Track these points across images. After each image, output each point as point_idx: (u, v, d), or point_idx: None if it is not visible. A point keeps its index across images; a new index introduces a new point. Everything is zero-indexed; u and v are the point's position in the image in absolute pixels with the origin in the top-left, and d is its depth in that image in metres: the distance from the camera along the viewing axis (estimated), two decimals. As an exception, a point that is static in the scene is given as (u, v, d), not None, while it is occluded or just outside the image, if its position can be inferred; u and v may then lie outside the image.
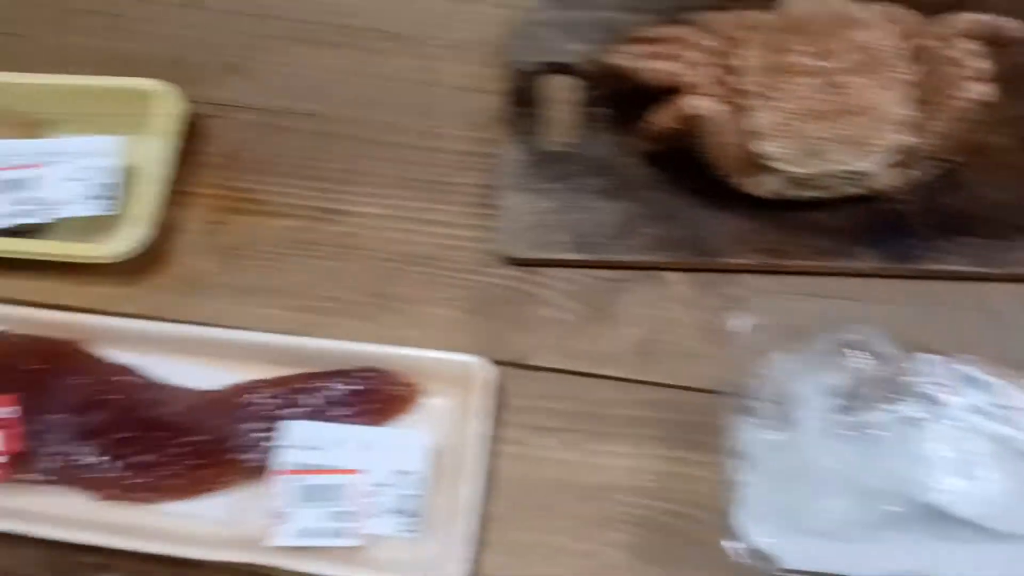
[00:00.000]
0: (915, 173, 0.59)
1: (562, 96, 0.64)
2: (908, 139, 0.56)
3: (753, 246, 0.58)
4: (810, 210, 0.59)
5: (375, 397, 0.55)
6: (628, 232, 0.59)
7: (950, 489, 0.48)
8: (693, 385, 0.55)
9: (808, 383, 0.51)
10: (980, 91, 0.55)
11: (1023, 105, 0.61)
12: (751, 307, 0.55)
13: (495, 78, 0.65)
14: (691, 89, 0.56)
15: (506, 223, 0.60)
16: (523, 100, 0.64)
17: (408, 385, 0.55)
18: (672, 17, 0.64)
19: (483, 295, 0.59)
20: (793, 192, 0.58)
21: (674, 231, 0.59)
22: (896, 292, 0.58)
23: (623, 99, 0.62)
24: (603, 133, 0.63)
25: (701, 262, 0.59)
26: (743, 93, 0.56)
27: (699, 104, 0.55)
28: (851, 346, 0.52)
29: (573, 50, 0.65)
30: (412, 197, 0.62)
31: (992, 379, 0.51)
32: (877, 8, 0.58)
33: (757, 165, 0.57)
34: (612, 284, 0.59)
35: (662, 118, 0.57)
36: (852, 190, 0.58)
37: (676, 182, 0.60)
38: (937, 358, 0.51)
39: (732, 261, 0.58)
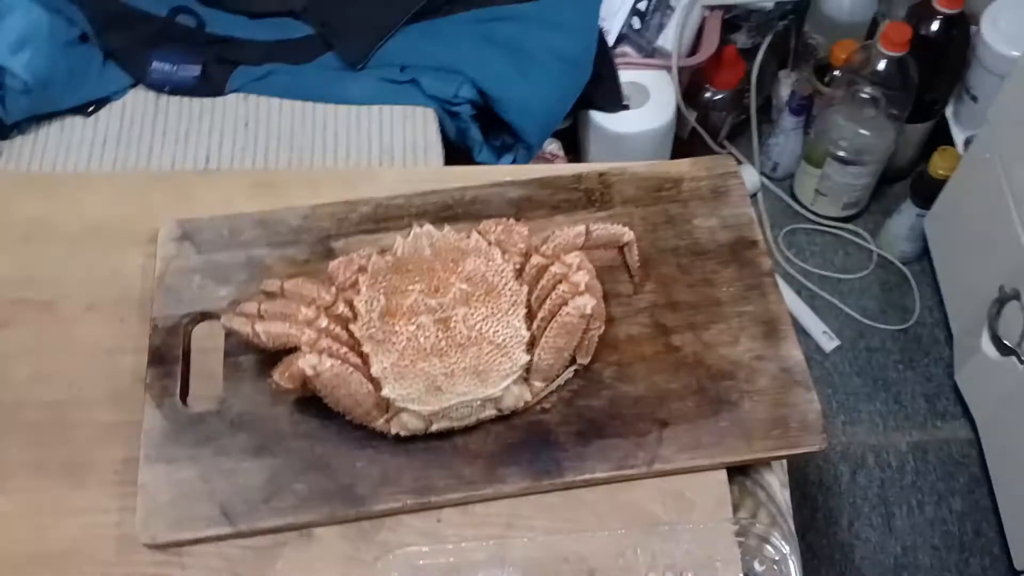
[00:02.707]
0: (551, 385, 0.58)
1: (208, 348, 0.61)
2: (524, 357, 0.55)
3: (402, 487, 0.56)
4: (457, 437, 0.57)
5: None
6: (276, 492, 0.55)
7: None
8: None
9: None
10: (581, 303, 0.54)
11: (649, 296, 0.62)
12: (398, 557, 0.52)
13: (139, 336, 0.61)
14: (306, 347, 0.53)
15: (145, 502, 0.55)
16: (165, 358, 0.60)
17: None
18: (322, 250, 0.62)
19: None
20: (435, 426, 0.56)
21: (323, 483, 0.56)
22: (550, 507, 0.56)
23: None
24: (249, 383, 0.59)
25: (353, 513, 0.55)
26: (359, 341, 0.54)
27: (312, 363, 0.52)
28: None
29: (220, 295, 0.62)
30: (46, 485, 0.57)
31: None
32: (479, 236, 0.58)
33: (389, 408, 0.55)
34: (264, 552, 0.55)
35: (283, 379, 0.54)
36: (488, 413, 0.56)
37: (323, 430, 0.57)
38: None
39: (380, 507, 0.55)
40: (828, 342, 1.38)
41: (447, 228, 0.57)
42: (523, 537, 0.53)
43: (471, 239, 0.56)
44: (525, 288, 0.56)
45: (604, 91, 1.28)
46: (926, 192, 1.35)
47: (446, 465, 0.56)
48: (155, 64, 1.06)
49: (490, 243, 0.57)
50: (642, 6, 1.31)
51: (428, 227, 0.57)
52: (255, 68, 1.08)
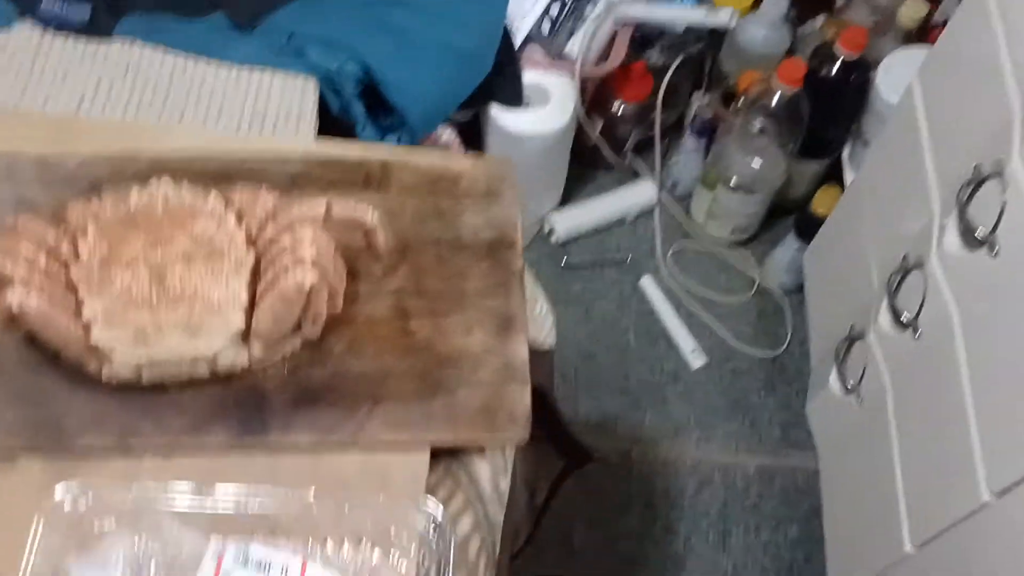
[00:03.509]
0: (274, 352, 0.59)
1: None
2: (238, 319, 0.56)
3: (108, 428, 0.57)
4: (173, 391, 0.58)
5: None
6: (-14, 416, 0.57)
7: None
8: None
9: None
10: (299, 276, 0.55)
11: (399, 281, 0.63)
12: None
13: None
14: (18, 283, 0.54)
15: None
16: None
17: None
18: (88, 194, 0.63)
19: None
20: (145, 376, 0.57)
21: (32, 413, 0.57)
22: (252, 466, 0.57)
23: None
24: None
25: (57, 444, 0.56)
26: (75, 285, 0.55)
27: (18, 298, 0.53)
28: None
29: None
30: None
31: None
32: (218, 198, 0.59)
33: (98, 352, 0.56)
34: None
35: (-7, 310, 0.55)
36: (202, 371, 0.57)
37: (46, 366, 0.58)
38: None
39: (83, 442, 0.56)
40: (696, 359, 1.40)
41: (186, 185, 0.58)
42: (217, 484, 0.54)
43: (208, 201, 0.57)
44: (252, 255, 0.57)
45: (504, 85, 1.29)
46: (808, 227, 1.37)
47: (156, 415, 0.57)
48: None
49: (230, 206, 0.58)
50: (554, 11, 1.32)
51: (166, 182, 0.58)
52: (145, 16, 1.09)
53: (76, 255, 0.56)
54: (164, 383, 0.57)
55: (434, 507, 0.54)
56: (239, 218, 0.57)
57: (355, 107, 1.14)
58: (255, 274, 0.57)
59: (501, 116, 1.30)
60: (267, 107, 1.08)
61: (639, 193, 1.50)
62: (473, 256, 0.64)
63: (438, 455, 0.59)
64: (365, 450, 0.57)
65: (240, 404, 0.58)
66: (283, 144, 0.69)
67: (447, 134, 1.36)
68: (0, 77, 1.02)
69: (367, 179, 0.67)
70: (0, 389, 0.57)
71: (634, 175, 1.52)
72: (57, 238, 0.56)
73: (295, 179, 0.66)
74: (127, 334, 0.54)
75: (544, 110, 1.31)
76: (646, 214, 1.50)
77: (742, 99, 1.38)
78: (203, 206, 0.57)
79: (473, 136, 1.38)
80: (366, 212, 0.60)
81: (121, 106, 1.04)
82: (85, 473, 0.56)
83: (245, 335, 0.57)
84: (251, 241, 0.58)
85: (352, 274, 0.61)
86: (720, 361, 1.41)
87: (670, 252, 1.48)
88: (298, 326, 0.59)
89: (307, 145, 0.72)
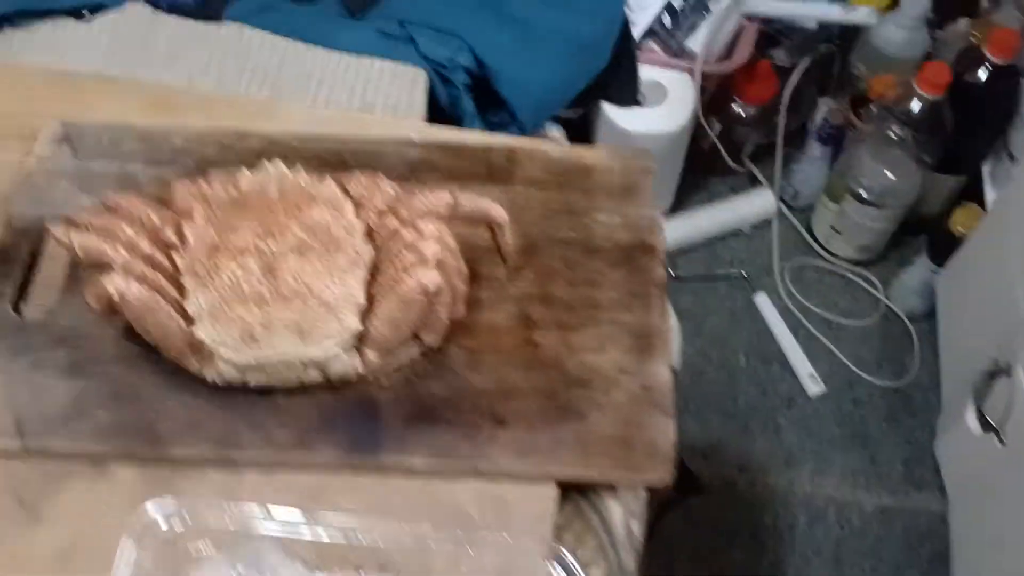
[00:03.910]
0: (390, 360, 0.52)
1: (62, 257, 0.57)
2: (354, 322, 0.50)
3: (206, 436, 0.51)
4: (279, 396, 0.52)
5: None
6: (77, 415, 0.51)
7: None
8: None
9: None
10: (422, 277, 0.49)
11: (524, 286, 0.56)
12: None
13: (-7, 233, 0.58)
14: (118, 269, 0.49)
15: (-56, 403, 0.52)
16: (9, 258, 0.56)
17: None
18: (194, 174, 0.58)
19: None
20: (250, 379, 0.51)
21: (126, 415, 0.51)
22: (360, 488, 0.51)
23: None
24: (84, 299, 0.55)
25: (151, 451, 0.51)
26: (181, 272, 0.50)
27: (117, 286, 0.48)
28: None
29: (83, 205, 0.58)
30: None
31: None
32: (336, 185, 0.52)
33: (202, 350, 0.50)
34: (51, 478, 0.50)
35: (91, 298, 0.50)
36: (312, 377, 0.51)
37: (144, 360, 0.53)
38: None
39: (178, 451, 0.51)
40: (813, 386, 1.29)
41: (301, 170, 0.52)
42: (324, 511, 0.48)
43: (324, 187, 0.51)
44: (371, 249, 0.50)
45: (620, 82, 1.20)
46: (943, 248, 1.25)
47: (258, 423, 0.51)
48: (158, -22, 1.04)
49: (348, 195, 0.51)
50: (677, 3, 1.23)
51: (280, 165, 0.52)
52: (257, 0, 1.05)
53: (181, 241, 0.50)
54: (270, 387, 0.51)
55: (566, 554, 0.47)
56: (357, 208, 0.51)
57: (464, 100, 1.07)
58: (372, 272, 0.51)
59: (614, 113, 1.22)
60: (375, 97, 1.03)
61: (756, 203, 1.40)
62: (606, 261, 0.57)
63: (564, 489, 0.51)
64: (485, 478, 0.51)
65: (351, 417, 0.51)
66: (399, 127, 0.63)
67: (554, 131, 1.29)
68: (110, 55, 0.99)
69: (490, 169, 0.60)
70: (94, 385, 0.52)
71: (751, 183, 1.42)
72: (162, 221, 0.51)
73: (414, 166, 0.60)
74: (234, 332, 0.49)
75: (661, 109, 1.22)
76: (762, 226, 1.39)
77: (875, 105, 1.27)
78: (319, 193, 0.51)
79: (581, 134, 1.31)
80: (495, 207, 0.53)
81: (228, 89, 1.01)
82: (179, 487, 0.50)
83: (360, 340, 0.51)
84: (369, 234, 0.51)
85: (473, 276, 0.54)
86: (839, 388, 1.30)
87: (788, 268, 1.38)
88: (415, 333, 0.52)
89: (425, 129, 0.66)
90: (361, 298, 0.50)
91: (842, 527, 1.22)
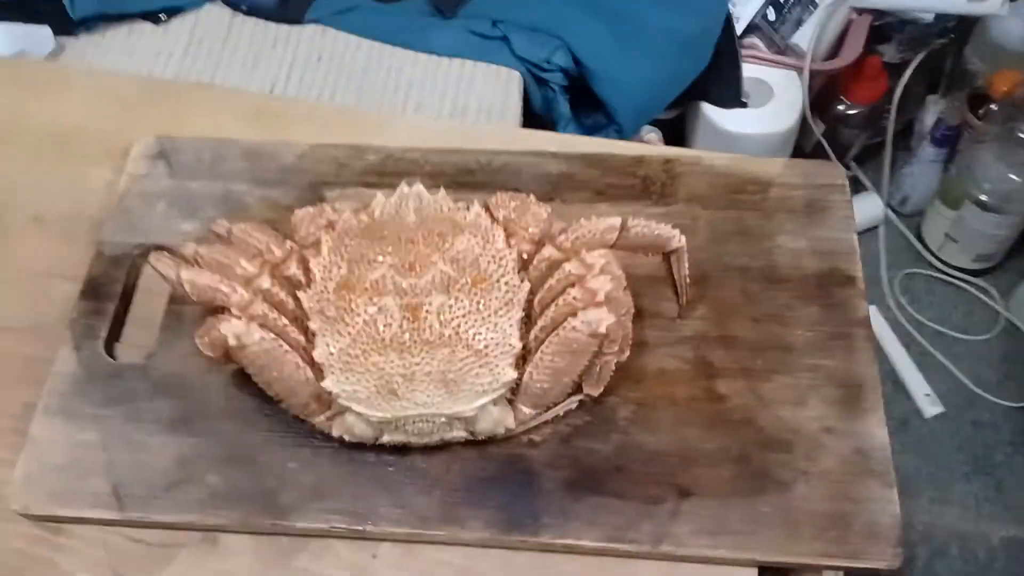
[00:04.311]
0: (545, 414, 0.44)
1: (159, 291, 0.50)
2: (510, 373, 0.41)
3: (336, 505, 0.43)
4: (416, 455, 0.44)
5: None
6: (183, 479, 0.43)
7: None
8: None
9: None
10: (593, 318, 0.40)
11: (698, 325, 0.47)
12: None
13: (83, 263, 0.51)
14: (235, 310, 0.41)
15: (29, 461, 0.44)
16: (100, 292, 0.49)
17: None
18: (312, 198, 0.50)
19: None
20: (385, 437, 0.43)
21: (241, 480, 0.43)
22: (515, 569, 0.42)
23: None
24: (187, 341, 0.47)
25: (270, 524, 0.43)
26: (307, 315, 0.42)
27: (237, 332, 0.40)
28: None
29: (184, 230, 0.51)
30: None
31: None
32: (482, 209, 0.44)
33: (331, 404, 0.42)
34: (155, 551, 0.43)
35: (203, 343, 0.42)
36: (456, 435, 0.43)
37: (259, 415, 0.45)
38: None
39: (303, 524, 0.43)
40: (930, 406, 1.18)
41: (442, 193, 0.44)
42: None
43: (471, 212, 0.43)
44: (527, 285, 0.42)
45: (722, 83, 1.12)
46: (1077, 257, 1.13)
47: (395, 488, 0.43)
48: (236, -21, 0.97)
49: (495, 221, 0.43)
50: (782, -4, 1.14)
51: (418, 187, 0.43)
52: (339, 0, 0.98)
53: (307, 277, 0.42)
54: (405, 446, 0.43)
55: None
56: (507, 235, 0.43)
57: (560, 102, 0.99)
58: (528, 311, 0.42)
59: (715, 113, 1.12)
60: (468, 99, 0.94)
61: (862, 208, 1.28)
62: (796, 294, 0.48)
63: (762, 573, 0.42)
64: (667, 561, 0.42)
65: (501, 483, 0.43)
66: (534, 139, 0.55)
67: (650, 134, 1.20)
68: (188, 60, 0.93)
69: (646, 184, 0.51)
70: (203, 444, 0.44)
71: (856, 188, 1.31)
72: (283, 254, 0.43)
73: (555, 183, 0.51)
74: (370, 383, 0.40)
75: (766, 109, 1.13)
76: (868, 233, 1.28)
77: (996, 104, 1.16)
78: (464, 218, 0.43)
79: (677, 137, 1.21)
80: (671, 233, 0.44)
81: (314, 95, 0.93)
82: (301, 563, 0.42)
83: (513, 392, 0.42)
84: (523, 266, 0.43)
85: (637, 312, 0.46)
86: (959, 409, 1.19)
87: (897, 278, 1.27)
88: (577, 385, 0.44)
89: (561, 139, 0.57)
90: (517, 344, 0.41)
91: (966, 561, 1.11)
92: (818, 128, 1.25)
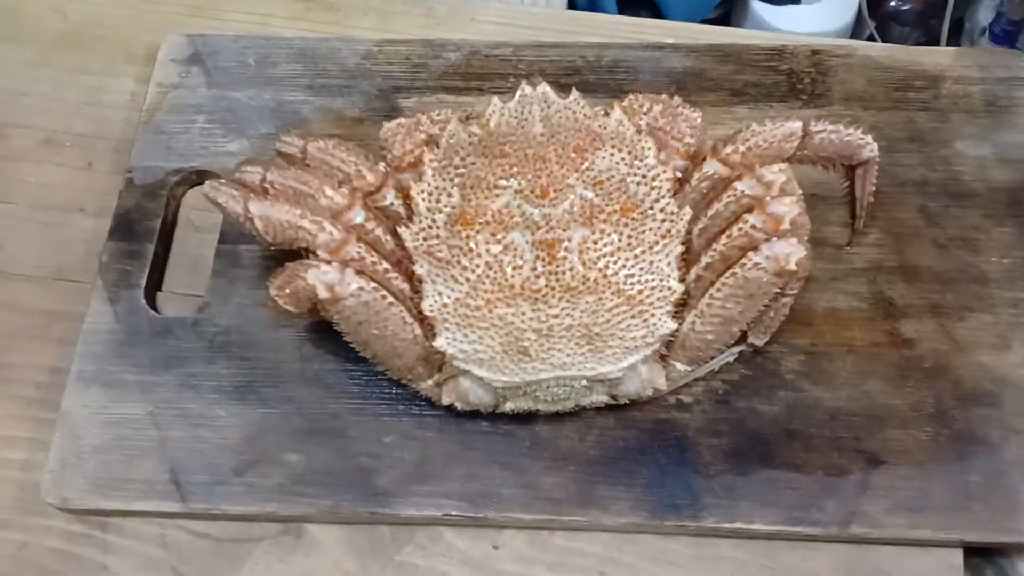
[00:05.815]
0: (698, 370, 0.35)
1: (203, 226, 0.40)
2: (668, 324, 0.32)
3: (447, 486, 0.34)
4: (541, 424, 0.35)
5: None
6: (257, 460, 0.34)
7: None
8: None
9: None
10: (781, 251, 0.31)
11: (872, 253, 0.37)
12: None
13: (107, 192, 0.40)
14: (324, 253, 0.31)
15: (65, 442, 0.35)
16: (135, 230, 0.39)
17: None
18: (384, 107, 0.40)
19: (20, 565, 0.34)
20: (510, 405, 0.34)
21: (329, 459, 0.34)
22: (669, 558, 0.34)
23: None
24: (246, 288, 0.37)
25: (367, 512, 0.34)
26: (410, 256, 0.32)
27: (329, 281, 0.30)
28: None
29: (229, 151, 0.40)
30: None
31: None
32: (623, 115, 0.33)
33: (442, 367, 0.33)
34: (225, 548, 0.34)
35: (282, 296, 0.32)
36: (596, 399, 0.33)
37: (344, 376, 0.35)
38: None
39: (409, 512, 0.34)
40: None
41: (575, 94, 0.34)
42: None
43: (611, 119, 0.33)
44: (688, 212, 0.32)
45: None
46: None
47: (519, 466, 0.34)
48: None
49: (640, 130, 0.33)
50: None
51: (544, 88, 0.33)
52: None
53: (408, 209, 0.32)
54: (531, 413, 0.34)
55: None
56: (659, 148, 0.33)
57: (607, -1, 0.88)
58: (688, 244, 0.33)
59: (764, 10, 1.01)
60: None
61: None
62: (985, 212, 0.38)
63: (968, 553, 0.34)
64: (856, 544, 0.33)
65: (649, 454, 0.34)
66: (642, 29, 0.44)
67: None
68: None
69: (792, 82, 0.41)
70: (276, 417, 0.35)
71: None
72: (377, 179, 0.33)
73: (680, 80, 0.41)
74: (494, 341, 0.31)
75: (818, 6, 1.01)
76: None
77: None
78: (604, 127, 0.32)
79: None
80: (863, 140, 0.34)
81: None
82: (404, 555, 0.34)
83: (667, 346, 0.33)
84: (678, 188, 0.33)
85: (804, 242, 0.36)
86: None
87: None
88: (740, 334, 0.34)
89: (675, 28, 0.46)
90: (678, 287, 0.32)
91: None
92: (870, 26, 1.13)
